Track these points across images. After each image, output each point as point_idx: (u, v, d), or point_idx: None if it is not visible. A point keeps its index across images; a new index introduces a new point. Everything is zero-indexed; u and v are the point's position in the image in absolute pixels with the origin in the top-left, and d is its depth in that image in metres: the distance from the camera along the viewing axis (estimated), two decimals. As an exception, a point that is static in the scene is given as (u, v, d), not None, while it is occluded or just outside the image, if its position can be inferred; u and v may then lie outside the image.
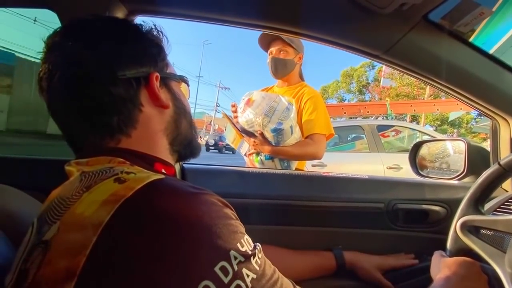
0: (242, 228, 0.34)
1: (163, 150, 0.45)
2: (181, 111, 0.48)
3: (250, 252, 0.32)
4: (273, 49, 1.40)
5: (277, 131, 1.22)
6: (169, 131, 0.46)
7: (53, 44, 0.41)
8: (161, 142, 0.45)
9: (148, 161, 0.42)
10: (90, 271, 0.27)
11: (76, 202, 0.31)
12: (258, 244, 0.35)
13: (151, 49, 0.45)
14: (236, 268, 0.29)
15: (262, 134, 1.25)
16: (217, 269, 0.28)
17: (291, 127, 1.24)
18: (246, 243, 0.32)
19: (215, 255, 0.29)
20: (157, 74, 0.44)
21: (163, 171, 0.43)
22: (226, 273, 0.28)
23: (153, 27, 0.47)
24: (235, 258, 0.30)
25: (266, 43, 1.42)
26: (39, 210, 0.37)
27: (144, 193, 0.30)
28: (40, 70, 0.41)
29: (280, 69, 1.42)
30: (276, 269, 0.36)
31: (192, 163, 0.92)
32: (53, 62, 0.39)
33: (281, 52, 1.39)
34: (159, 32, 0.48)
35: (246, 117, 1.26)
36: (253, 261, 0.31)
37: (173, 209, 0.29)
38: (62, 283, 0.27)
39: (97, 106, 0.39)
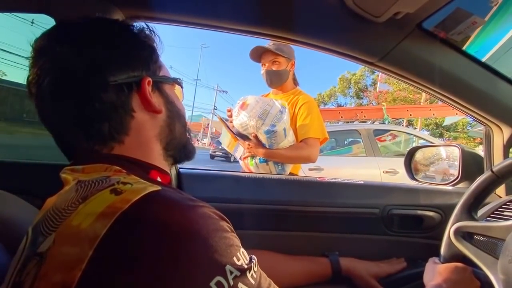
0: (237, 241, 0.33)
1: (157, 156, 0.45)
2: (174, 115, 0.47)
3: (246, 266, 0.31)
4: (265, 61, 1.43)
5: (271, 133, 1.24)
6: (163, 135, 0.45)
7: (41, 48, 0.40)
8: (155, 148, 0.44)
9: (144, 169, 0.41)
10: (85, 285, 0.26)
11: (72, 213, 0.31)
12: (254, 256, 0.34)
13: (143, 52, 0.44)
14: (231, 283, 0.29)
15: (256, 136, 1.27)
16: (212, 284, 0.28)
17: (284, 129, 1.26)
18: (242, 257, 0.32)
19: (211, 269, 0.29)
20: (149, 79, 0.42)
21: (159, 179, 0.43)
22: None
23: (144, 26, 0.46)
24: (231, 272, 0.29)
25: (257, 55, 1.45)
26: (34, 219, 0.36)
27: (140, 206, 0.30)
28: (29, 75, 0.40)
29: (275, 80, 1.45)
30: (272, 281, 0.36)
31: (188, 168, 0.92)
32: (41, 68, 0.38)
33: (274, 64, 1.42)
34: (151, 32, 0.46)
35: (240, 120, 1.28)
36: (248, 275, 0.31)
37: (169, 223, 0.29)
38: None
39: (87, 113, 0.38)
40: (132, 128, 0.41)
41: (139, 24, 0.45)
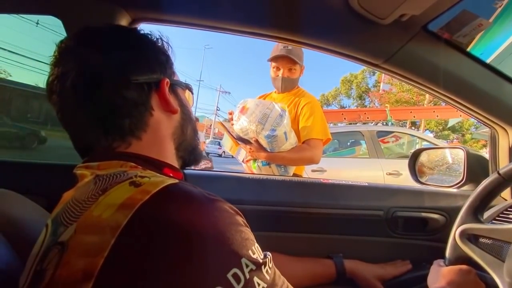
0: (252, 236, 0.34)
1: (170, 155, 0.47)
2: (187, 117, 0.50)
3: (261, 261, 0.32)
4: (281, 66, 1.41)
5: (271, 138, 1.24)
6: (176, 136, 0.48)
7: (67, 49, 0.42)
8: (168, 147, 0.47)
9: (157, 166, 0.43)
10: (107, 272, 0.27)
11: (92, 204, 0.32)
12: (268, 253, 0.35)
13: (160, 56, 0.47)
14: (248, 276, 0.30)
15: (257, 141, 1.27)
16: (229, 275, 0.28)
17: (284, 133, 1.25)
18: (257, 251, 0.33)
19: (227, 261, 0.29)
20: (168, 80, 0.45)
21: (171, 175, 0.44)
22: (238, 280, 0.29)
23: (159, 37, 0.49)
24: (247, 265, 0.30)
25: (272, 56, 1.42)
26: (53, 212, 0.37)
27: (160, 197, 0.31)
28: (51, 74, 0.41)
29: (289, 87, 1.46)
30: (285, 279, 0.37)
31: (192, 169, 0.92)
32: (66, 66, 0.40)
33: (290, 71, 1.41)
34: (165, 42, 0.49)
35: (240, 124, 1.28)
36: (264, 270, 0.32)
37: (188, 215, 0.30)
38: (80, 284, 0.27)
39: (110, 109, 0.40)
40: (150, 126, 0.43)
41: (154, 34, 0.48)
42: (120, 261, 0.28)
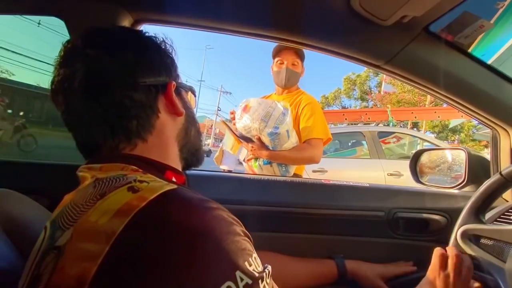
0: (250, 246, 0.33)
1: (174, 157, 0.47)
2: (191, 119, 0.51)
3: (257, 274, 0.31)
4: (284, 59, 1.43)
5: (274, 135, 1.24)
6: (180, 138, 0.48)
7: (74, 49, 0.42)
8: (172, 148, 0.47)
9: (160, 169, 0.43)
10: (100, 280, 0.27)
11: (89, 209, 0.32)
12: (268, 266, 0.34)
13: (166, 59, 0.47)
14: None
15: (259, 139, 1.28)
16: None
17: (287, 131, 1.26)
18: (254, 262, 0.32)
19: (222, 273, 0.28)
20: (174, 82, 0.46)
21: (174, 179, 0.44)
22: None
23: (164, 40, 0.49)
24: (242, 279, 0.29)
25: (276, 49, 1.44)
26: (52, 214, 0.37)
27: (157, 204, 0.31)
28: (57, 74, 0.41)
29: (292, 80, 1.46)
30: None
31: (194, 169, 0.92)
32: (73, 67, 0.40)
33: (294, 64, 1.43)
34: (169, 45, 0.49)
35: (243, 122, 1.29)
36: (261, 285, 0.31)
37: (184, 222, 0.30)
38: None
39: (118, 110, 0.40)
40: (155, 128, 0.44)
41: (159, 37, 0.49)
42: (115, 268, 0.27)
